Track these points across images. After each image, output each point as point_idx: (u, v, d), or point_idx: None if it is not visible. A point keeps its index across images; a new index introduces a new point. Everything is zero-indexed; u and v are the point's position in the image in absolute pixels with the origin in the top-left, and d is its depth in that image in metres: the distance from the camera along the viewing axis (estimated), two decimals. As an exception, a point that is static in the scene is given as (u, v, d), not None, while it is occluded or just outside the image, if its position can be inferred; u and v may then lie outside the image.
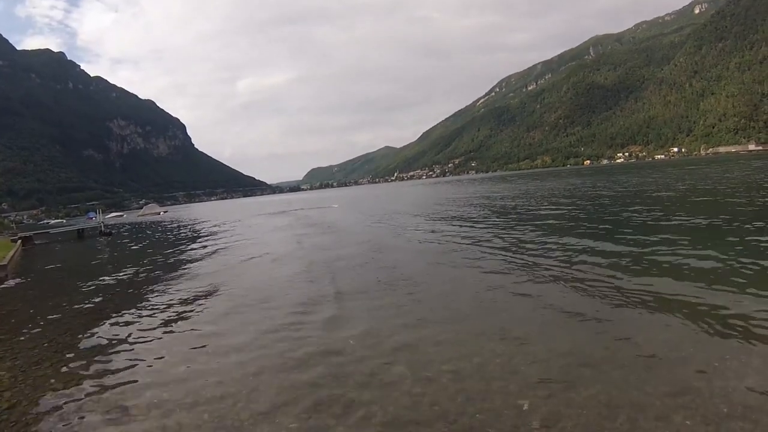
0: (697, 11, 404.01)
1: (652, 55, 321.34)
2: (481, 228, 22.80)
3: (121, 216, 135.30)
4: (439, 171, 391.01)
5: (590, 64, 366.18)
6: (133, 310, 12.23)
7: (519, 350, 7.24)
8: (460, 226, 24.82)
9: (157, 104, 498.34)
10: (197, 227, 52.03)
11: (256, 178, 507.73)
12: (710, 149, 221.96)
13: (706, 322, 7.55)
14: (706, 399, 5.39)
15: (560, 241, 16.70)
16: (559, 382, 6.10)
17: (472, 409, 5.63)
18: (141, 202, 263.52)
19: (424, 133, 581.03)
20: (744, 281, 9.48)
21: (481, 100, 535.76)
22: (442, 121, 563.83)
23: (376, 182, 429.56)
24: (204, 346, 8.65)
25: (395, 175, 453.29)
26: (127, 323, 10.97)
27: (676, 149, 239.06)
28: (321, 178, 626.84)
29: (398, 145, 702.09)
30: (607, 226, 19.94)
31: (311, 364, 7.27)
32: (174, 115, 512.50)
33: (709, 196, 29.28)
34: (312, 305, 10.91)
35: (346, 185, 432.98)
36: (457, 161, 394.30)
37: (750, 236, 14.12)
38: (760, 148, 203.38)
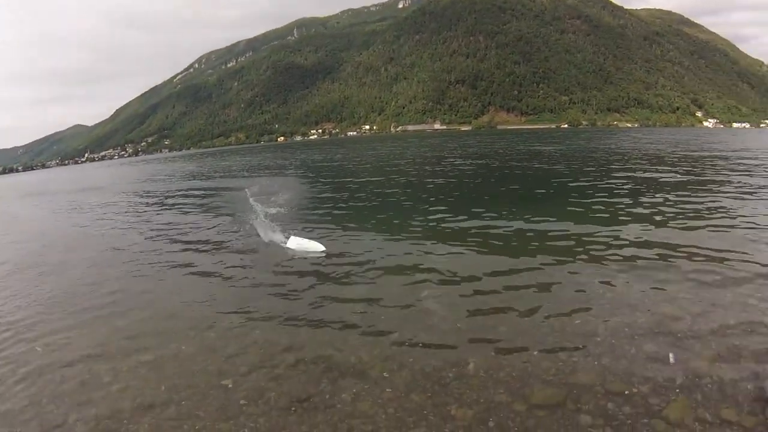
0: (400, 6, 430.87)
1: (353, 41, 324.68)
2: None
3: None
4: (131, 150, 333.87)
5: (293, 44, 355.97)
6: None
7: (209, 331, 7.37)
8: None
9: None
10: None
11: None
12: (399, 127, 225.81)
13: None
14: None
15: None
16: (257, 356, 6.44)
17: (177, 396, 5.69)
18: None
19: (118, 109, 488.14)
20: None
21: (180, 76, 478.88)
22: (139, 96, 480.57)
23: (65, 164, 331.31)
24: None
25: (86, 156, 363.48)
26: None
27: (367, 127, 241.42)
28: (4, 161, 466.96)
29: (91, 122, 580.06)
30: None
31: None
32: None
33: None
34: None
35: (32, 168, 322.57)
36: (150, 139, 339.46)
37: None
38: (444, 127, 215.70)
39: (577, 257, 9.61)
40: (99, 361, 6.74)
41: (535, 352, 6.03)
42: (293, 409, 5.26)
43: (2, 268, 13.08)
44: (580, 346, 6.10)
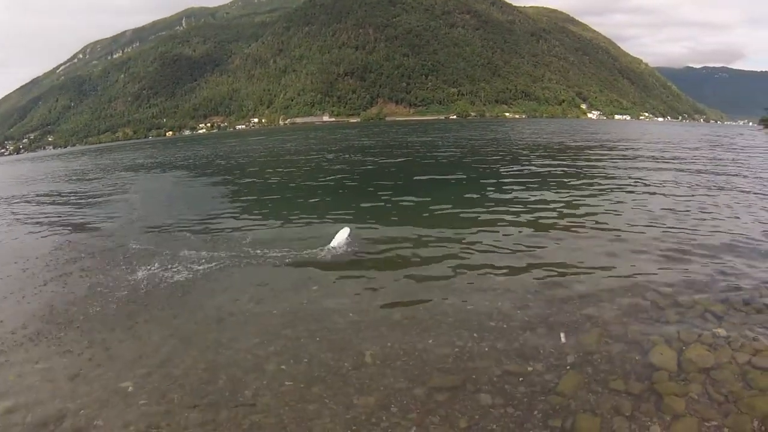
0: None
1: (243, 32, 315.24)
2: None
3: None
4: (12, 147, 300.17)
5: (181, 35, 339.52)
6: None
7: (102, 335, 7.06)
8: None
9: None
10: None
11: None
12: (288, 120, 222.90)
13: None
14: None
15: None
16: (154, 358, 6.26)
17: (74, 405, 5.41)
18: None
19: None
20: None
21: (62, 67, 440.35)
22: (18, 88, 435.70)
23: None
24: None
25: None
26: None
27: (256, 120, 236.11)
28: None
29: None
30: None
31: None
32: None
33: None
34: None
35: None
36: (32, 136, 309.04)
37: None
38: (333, 119, 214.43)
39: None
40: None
41: (430, 341, 6.15)
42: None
43: None
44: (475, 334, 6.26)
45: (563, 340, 5.89)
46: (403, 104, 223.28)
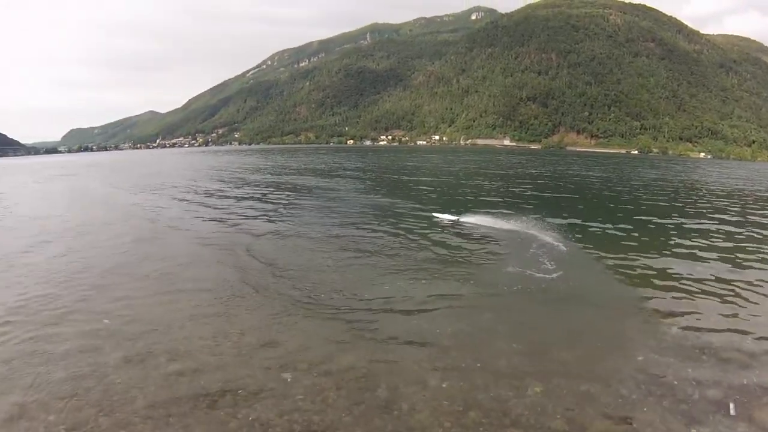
0: (473, 17, 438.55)
1: (425, 50, 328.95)
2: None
3: None
4: (202, 140, 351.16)
5: (365, 48, 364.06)
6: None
7: (274, 325, 7.73)
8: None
9: None
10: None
11: (8, 136, 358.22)
12: (469, 140, 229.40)
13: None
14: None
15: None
16: (317, 354, 6.68)
17: (235, 384, 5.87)
18: None
19: (191, 99, 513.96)
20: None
21: (252, 72, 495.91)
22: (211, 88, 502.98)
23: (137, 148, 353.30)
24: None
25: (158, 141, 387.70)
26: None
27: (437, 137, 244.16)
28: (81, 140, 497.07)
29: (163, 110, 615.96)
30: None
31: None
32: None
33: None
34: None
35: (106, 149, 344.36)
36: (221, 131, 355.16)
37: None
38: (514, 144, 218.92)
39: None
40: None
41: (597, 384, 6.16)
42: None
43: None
44: (642, 385, 6.18)
45: (732, 412, 5.58)
46: (584, 134, 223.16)
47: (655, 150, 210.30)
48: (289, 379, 5.92)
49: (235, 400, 5.49)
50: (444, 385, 5.84)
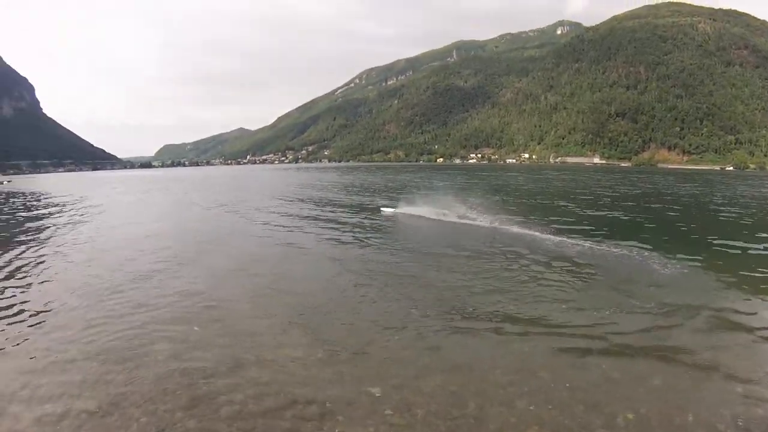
0: (559, 32, 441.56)
1: (512, 66, 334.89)
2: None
3: None
4: (291, 157, 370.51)
5: (452, 66, 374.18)
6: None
7: (366, 337, 7.93)
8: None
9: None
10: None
11: (107, 150, 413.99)
12: (559, 158, 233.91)
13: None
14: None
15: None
16: (408, 369, 6.70)
17: (323, 396, 5.96)
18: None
19: (279, 117, 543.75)
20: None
21: (340, 90, 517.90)
22: (299, 106, 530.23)
23: (228, 164, 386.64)
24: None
25: (247, 158, 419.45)
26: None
27: (527, 155, 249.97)
28: (173, 156, 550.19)
29: (253, 127, 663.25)
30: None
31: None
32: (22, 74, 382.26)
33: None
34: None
35: (198, 165, 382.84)
36: (310, 148, 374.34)
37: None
38: (604, 161, 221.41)
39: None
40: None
41: (690, 416, 5.66)
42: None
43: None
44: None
45: None
46: (675, 150, 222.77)
47: (752, 166, 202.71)
48: (378, 394, 5.92)
49: (321, 412, 5.57)
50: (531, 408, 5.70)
